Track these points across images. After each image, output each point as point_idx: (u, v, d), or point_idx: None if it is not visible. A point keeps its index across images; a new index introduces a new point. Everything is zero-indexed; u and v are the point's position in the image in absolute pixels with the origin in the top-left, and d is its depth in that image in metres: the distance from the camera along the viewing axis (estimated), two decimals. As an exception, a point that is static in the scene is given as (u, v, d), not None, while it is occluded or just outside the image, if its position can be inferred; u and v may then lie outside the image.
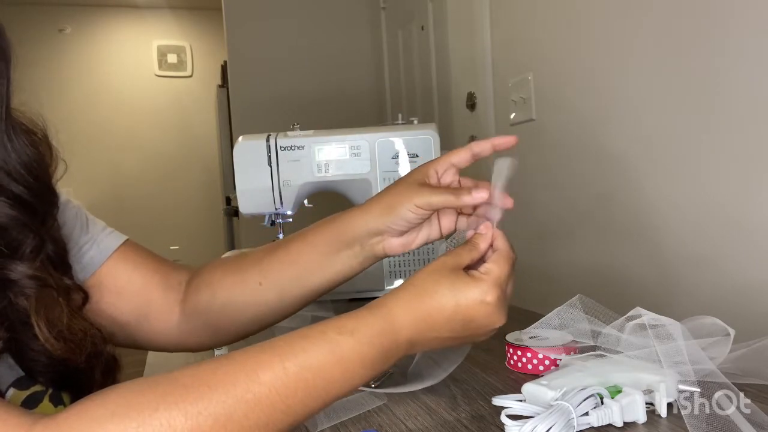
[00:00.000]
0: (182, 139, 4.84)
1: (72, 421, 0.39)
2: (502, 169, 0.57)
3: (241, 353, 0.44)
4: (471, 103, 1.81)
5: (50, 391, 0.54)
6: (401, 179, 0.62)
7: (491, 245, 0.55)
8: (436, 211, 0.61)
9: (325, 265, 0.64)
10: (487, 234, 0.55)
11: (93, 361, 0.56)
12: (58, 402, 0.55)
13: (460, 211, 0.62)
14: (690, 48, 1.01)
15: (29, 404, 0.52)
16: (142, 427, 0.38)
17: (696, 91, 1.01)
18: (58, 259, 0.57)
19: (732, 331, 0.54)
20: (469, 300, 0.49)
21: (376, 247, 0.62)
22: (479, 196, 0.56)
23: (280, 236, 1.18)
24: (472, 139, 1.80)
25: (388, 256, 0.64)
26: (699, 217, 1.02)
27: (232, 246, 3.23)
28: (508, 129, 1.59)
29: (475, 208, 0.61)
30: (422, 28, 2.22)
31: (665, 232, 1.10)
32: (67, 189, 0.68)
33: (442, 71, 2.08)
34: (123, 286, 0.65)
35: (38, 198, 0.54)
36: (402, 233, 0.61)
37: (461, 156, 0.61)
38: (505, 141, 0.60)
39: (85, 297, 0.60)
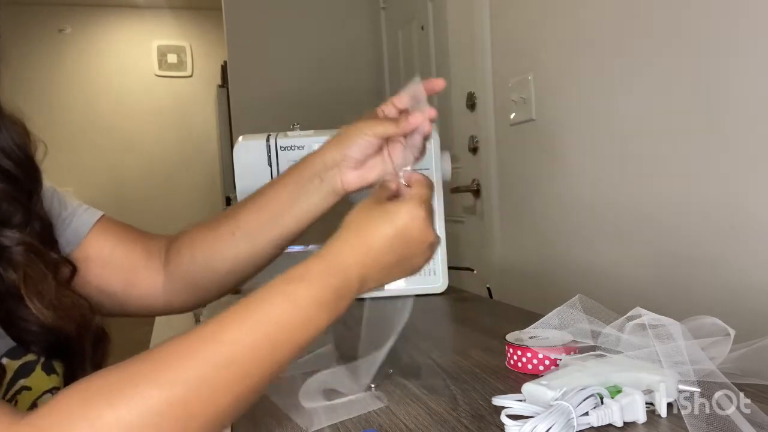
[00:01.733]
0: (182, 139, 4.85)
1: (48, 416, 0.39)
2: (417, 92, 0.64)
3: (205, 322, 0.46)
4: (471, 103, 1.81)
5: (42, 360, 0.57)
6: (356, 120, 0.68)
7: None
8: (386, 147, 0.67)
9: (290, 206, 0.68)
10: (394, 178, 0.60)
11: (82, 331, 0.59)
12: (50, 371, 0.57)
13: (405, 145, 0.67)
14: (691, 48, 1.01)
15: (22, 373, 0.55)
16: (118, 407, 0.39)
17: (696, 91, 1.01)
18: (44, 234, 0.61)
19: (732, 331, 0.55)
20: (403, 219, 0.53)
21: (334, 181, 0.67)
22: (415, 120, 0.62)
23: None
24: (472, 139, 1.80)
25: (348, 192, 0.68)
26: (699, 217, 1.02)
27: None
28: (508, 129, 1.59)
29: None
30: (422, 28, 2.23)
31: (665, 232, 1.10)
32: (67, 189, 0.70)
33: (442, 71, 2.08)
34: (107, 257, 0.69)
35: (26, 174, 0.58)
36: (357, 166, 0.67)
37: (402, 98, 0.67)
38: (438, 84, 0.66)
39: (73, 269, 0.64)
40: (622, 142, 1.19)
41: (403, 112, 0.66)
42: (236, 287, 0.75)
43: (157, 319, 1.08)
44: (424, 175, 0.59)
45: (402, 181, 0.59)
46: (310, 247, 1.18)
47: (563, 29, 1.34)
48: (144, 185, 4.72)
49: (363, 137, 0.65)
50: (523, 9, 1.50)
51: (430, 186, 0.58)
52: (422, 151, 0.65)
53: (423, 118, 0.62)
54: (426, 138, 0.65)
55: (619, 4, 1.17)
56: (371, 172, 0.67)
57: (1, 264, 0.54)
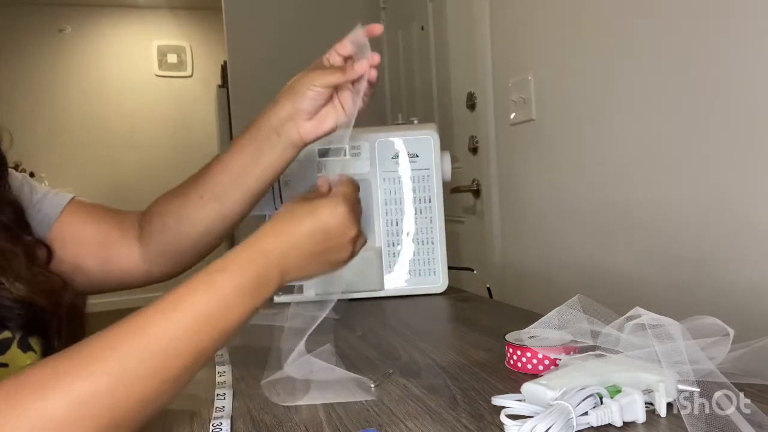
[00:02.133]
0: (182, 139, 4.85)
1: None
2: (359, 38, 0.68)
3: (132, 314, 0.48)
4: (471, 103, 1.81)
5: (18, 337, 0.59)
6: (302, 71, 0.71)
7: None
8: (336, 95, 0.69)
9: (253, 164, 0.71)
10: (323, 182, 0.62)
11: (55, 305, 0.61)
12: (26, 348, 0.59)
13: (353, 92, 0.70)
14: (690, 48, 1.01)
15: None
16: (45, 399, 0.41)
17: (696, 91, 1.01)
18: (16, 219, 0.64)
19: (731, 331, 0.54)
20: (324, 211, 0.56)
21: (291, 133, 0.70)
22: (361, 67, 0.66)
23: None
24: (472, 139, 1.80)
25: (307, 143, 0.71)
26: (699, 217, 1.02)
27: (231, 245, 3.23)
28: (508, 129, 1.59)
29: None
30: (422, 28, 2.23)
31: (665, 232, 1.10)
32: (67, 188, 0.72)
33: (442, 71, 2.08)
34: (80, 235, 0.71)
35: None
36: (310, 116, 0.69)
37: (344, 46, 0.70)
38: (377, 29, 0.69)
39: (49, 251, 0.66)
40: (621, 142, 1.19)
41: (348, 59, 0.69)
42: (213, 248, 0.77)
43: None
44: (350, 177, 0.62)
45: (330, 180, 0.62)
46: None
47: (563, 29, 1.34)
48: (144, 185, 4.71)
49: (312, 88, 0.67)
50: (523, 9, 1.50)
51: (354, 186, 0.61)
52: (370, 95, 0.70)
53: (368, 64, 0.66)
54: (372, 84, 0.68)
55: (619, 4, 1.17)
56: (326, 121, 0.70)
57: None
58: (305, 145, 0.72)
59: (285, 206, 0.58)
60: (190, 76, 4.92)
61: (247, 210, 0.75)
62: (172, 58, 4.87)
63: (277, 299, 1.11)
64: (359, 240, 0.59)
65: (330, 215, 0.56)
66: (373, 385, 0.63)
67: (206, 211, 0.73)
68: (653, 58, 1.09)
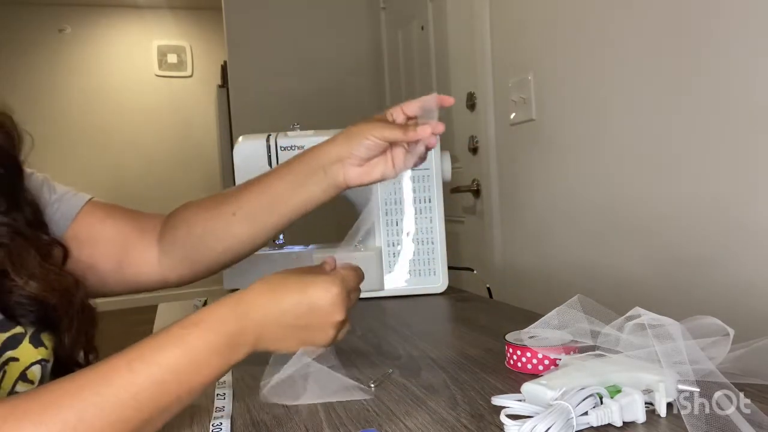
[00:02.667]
0: (182, 139, 4.85)
1: None
2: (430, 103, 0.68)
3: (94, 365, 0.47)
4: (471, 103, 1.81)
5: (30, 332, 0.59)
6: (364, 119, 0.71)
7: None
8: (390, 150, 0.69)
9: (292, 194, 0.70)
10: (330, 262, 0.62)
11: (66, 303, 0.61)
12: (38, 344, 0.60)
13: (408, 151, 0.70)
14: (690, 48, 1.01)
15: (10, 345, 0.57)
16: None
17: (696, 91, 1.01)
18: (33, 219, 0.64)
19: (731, 331, 0.54)
20: (317, 287, 0.54)
21: (337, 175, 0.69)
22: (423, 131, 0.65)
23: (281, 237, 1.18)
24: (472, 139, 1.80)
25: (349, 187, 0.71)
26: (699, 217, 1.02)
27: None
28: (508, 129, 1.59)
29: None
30: (422, 28, 2.23)
31: (665, 232, 1.10)
32: (68, 188, 0.72)
33: (442, 71, 2.08)
34: (98, 235, 0.71)
35: (6, 169, 0.62)
36: (361, 164, 0.69)
37: (411, 106, 0.70)
38: (447, 100, 0.69)
39: (65, 251, 0.66)
40: (621, 142, 1.19)
41: (411, 119, 0.69)
42: (233, 264, 0.77)
43: (157, 317, 1.08)
44: (357, 266, 0.61)
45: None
46: (310, 247, 1.18)
47: (563, 29, 1.34)
48: (144, 185, 4.72)
49: (370, 138, 0.67)
50: (523, 9, 1.50)
51: (358, 274, 0.60)
52: (423, 158, 0.69)
53: (430, 130, 0.65)
54: (429, 149, 0.68)
55: (618, 4, 1.17)
56: (373, 171, 0.70)
57: None
58: (347, 188, 0.71)
59: (280, 272, 0.56)
60: (190, 76, 4.92)
61: (274, 236, 0.75)
62: (172, 58, 4.87)
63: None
64: (344, 327, 0.57)
65: (320, 292, 0.54)
66: (373, 385, 0.63)
67: (236, 228, 0.72)
68: (653, 58, 1.09)
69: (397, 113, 0.69)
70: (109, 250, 0.71)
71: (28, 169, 0.67)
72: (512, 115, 1.55)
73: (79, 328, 0.63)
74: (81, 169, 4.57)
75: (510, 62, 1.57)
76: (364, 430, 0.52)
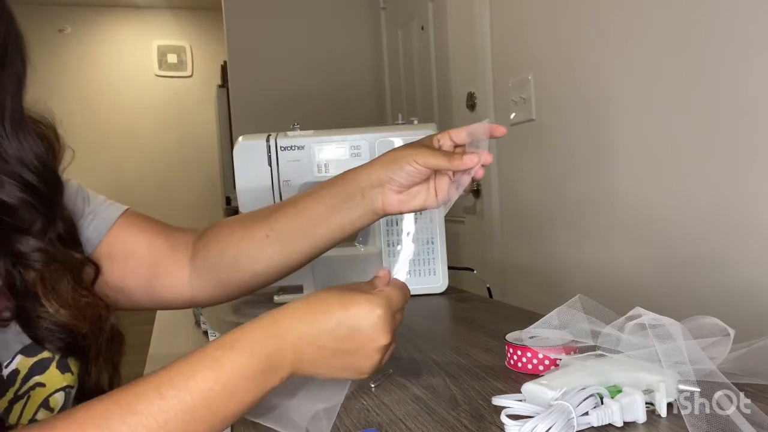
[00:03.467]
0: (182, 139, 4.85)
1: None
2: (479, 132, 0.64)
3: (120, 389, 0.44)
4: (471, 103, 1.81)
5: (57, 358, 0.57)
6: (409, 143, 0.67)
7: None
8: (434, 178, 0.66)
9: (328, 217, 0.67)
10: (384, 276, 0.58)
11: (97, 330, 0.59)
12: (65, 369, 0.58)
13: (453, 180, 0.66)
14: (690, 48, 1.01)
15: (37, 370, 0.55)
16: None
17: (696, 92, 1.01)
18: (67, 236, 0.61)
19: (732, 331, 0.54)
20: (359, 308, 0.50)
21: (375, 200, 0.65)
22: (470, 161, 0.61)
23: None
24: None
25: (387, 214, 0.67)
26: (699, 218, 1.02)
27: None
28: (508, 129, 1.58)
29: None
30: (422, 28, 2.23)
31: (665, 232, 1.10)
32: (102, 196, 0.71)
33: (442, 71, 2.08)
34: (130, 250, 0.68)
35: (45, 184, 0.58)
36: (401, 190, 0.65)
37: (460, 133, 0.66)
38: (499, 131, 0.65)
39: (97, 270, 0.64)
40: (621, 142, 1.19)
41: (458, 147, 0.66)
42: (265, 286, 0.74)
43: (157, 318, 1.08)
44: (403, 283, 0.57)
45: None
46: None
47: (563, 29, 1.34)
48: (144, 185, 4.72)
49: (413, 164, 0.63)
50: (523, 9, 1.50)
51: (404, 293, 0.55)
52: (468, 190, 0.65)
53: (477, 160, 0.61)
54: (475, 180, 0.64)
55: (619, 5, 1.17)
56: (414, 199, 0.66)
57: (21, 264, 0.55)
58: (385, 215, 0.67)
59: (323, 290, 0.52)
60: (190, 76, 4.92)
61: (308, 260, 0.71)
62: (172, 58, 4.87)
63: (277, 299, 1.11)
64: (389, 349, 0.53)
65: (363, 315, 0.49)
66: (373, 385, 0.63)
67: (269, 251, 0.69)
68: (653, 58, 1.09)
69: (444, 139, 0.66)
70: (140, 268, 0.69)
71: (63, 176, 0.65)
72: (512, 115, 1.55)
73: (106, 356, 0.61)
74: (81, 168, 4.55)
75: (510, 62, 1.57)
76: (365, 431, 0.52)
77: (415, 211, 0.68)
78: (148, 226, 0.71)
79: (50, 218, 0.58)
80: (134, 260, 0.69)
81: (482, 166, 0.62)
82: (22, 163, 0.56)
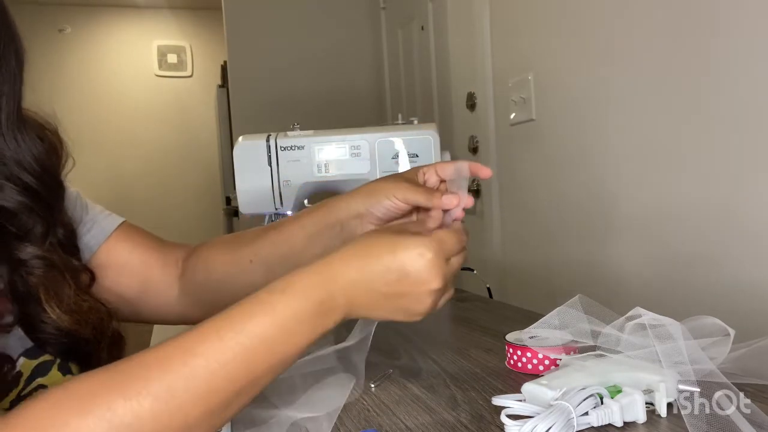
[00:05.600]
0: (182, 139, 4.84)
1: (20, 416, 0.40)
2: (463, 170, 0.62)
3: (179, 335, 0.45)
4: (471, 103, 1.81)
5: (59, 361, 0.58)
6: (392, 174, 0.67)
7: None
8: (416, 213, 0.64)
9: (309, 245, 0.67)
10: (437, 216, 0.57)
11: (99, 335, 0.60)
12: (66, 371, 0.58)
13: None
14: (690, 48, 1.01)
15: (39, 372, 0.56)
16: (86, 417, 0.39)
17: (696, 91, 1.01)
18: (67, 242, 0.62)
19: (732, 331, 0.54)
20: (408, 250, 0.48)
21: (355, 230, 0.65)
22: (448, 201, 0.59)
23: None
24: (472, 139, 1.80)
25: None
26: (699, 217, 1.02)
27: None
28: (508, 129, 1.59)
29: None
30: (422, 28, 2.22)
31: (665, 231, 1.10)
32: (99, 206, 0.72)
33: (442, 71, 2.08)
34: (123, 264, 0.69)
35: (45, 187, 0.58)
36: (380, 223, 0.64)
37: (446, 169, 0.64)
38: (484, 172, 0.64)
39: (92, 277, 0.64)
40: (621, 142, 1.19)
41: (443, 183, 0.65)
42: None
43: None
44: (460, 228, 0.55)
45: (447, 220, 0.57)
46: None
47: (563, 29, 1.34)
48: (144, 185, 4.72)
49: (392, 199, 0.62)
50: (523, 9, 1.50)
51: (460, 239, 0.53)
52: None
53: (457, 202, 0.59)
54: (455, 220, 0.61)
55: (619, 5, 1.17)
56: None
57: (22, 270, 0.55)
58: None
59: (368, 233, 0.52)
60: (190, 76, 4.91)
61: None
62: (172, 58, 4.87)
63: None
64: (444, 295, 0.52)
65: (412, 258, 0.48)
66: (373, 385, 0.63)
67: (253, 276, 0.69)
68: (653, 58, 1.09)
69: (430, 174, 0.64)
70: (132, 282, 0.70)
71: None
72: (512, 115, 1.55)
73: (107, 360, 0.60)
74: (81, 168, 4.54)
75: (510, 62, 1.57)
76: (365, 431, 0.52)
77: None
78: (141, 241, 0.72)
79: (50, 223, 0.58)
80: (126, 274, 0.69)
81: (462, 209, 0.60)
82: (20, 165, 0.56)
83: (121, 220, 0.71)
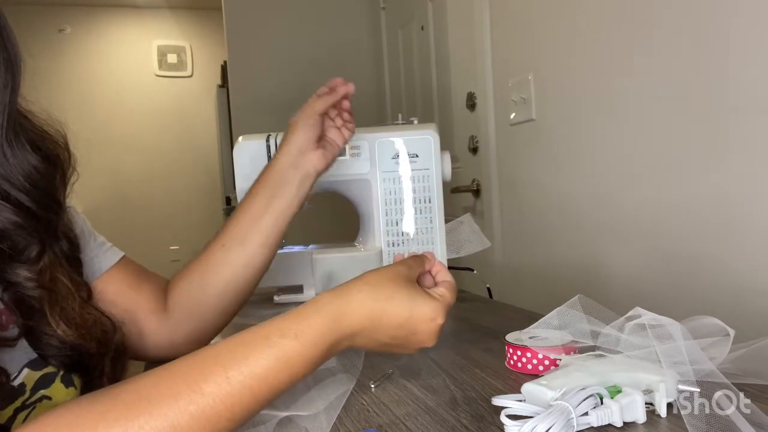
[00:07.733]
0: (182, 139, 4.84)
1: None
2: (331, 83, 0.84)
3: (184, 363, 0.45)
4: (471, 103, 1.81)
5: (62, 372, 0.57)
6: (291, 122, 0.81)
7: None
8: (326, 134, 0.82)
9: (268, 205, 0.75)
10: (433, 258, 0.62)
11: (102, 348, 0.59)
12: (69, 383, 0.58)
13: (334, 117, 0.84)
14: (690, 48, 1.01)
15: (42, 384, 0.55)
16: None
17: (696, 91, 1.01)
18: (71, 254, 0.61)
19: (732, 331, 0.54)
20: (423, 314, 0.53)
21: (306, 164, 0.77)
22: (339, 85, 0.81)
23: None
24: (472, 139, 1.80)
25: (319, 173, 0.79)
26: (699, 217, 1.02)
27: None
28: (508, 129, 1.59)
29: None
30: (422, 28, 2.23)
31: (665, 231, 1.10)
32: (101, 237, 0.70)
33: (442, 71, 2.08)
34: (117, 298, 0.68)
35: (39, 205, 0.55)
36: (317, 146, 0.78)
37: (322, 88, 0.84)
38: (346, 88, 0.82)
39: (89, 293, 0.63)
40: (621, 142, 1.19)
41: (345, 100, 0.83)
42: (238, 305, 0.76)
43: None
44: (455, 284, 0.60)
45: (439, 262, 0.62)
46: (311, 247, 1.18)
47: (563, 29, 1.34)
48: (144, 185, 4.71)
49: (312, 117, 0.78)
50: (523, 9, 1.50)
51: (455, 294, 0.59)
52: (352, 130, 0.85)
53: (344, 83, 0.80)
54: (349, 113, 0.84)
55: (618, 5, 1.17)
56: (330, 145, 0.81)
57: (16, 289, 0.54)
58: (317, 175, 0.78)
59: (389, 277, 0.54)
60: (190, 76, 4.91)
61: (268, 255, 0.76)
62: (172, 58, 4.87)
63: (277, 299, 1.11)
64: (426, 346, 0.56)
65: (425, 323, 0.53)
66: (373, 385, 0.63)
67: (229, 257, 0.73)
68: (653, 58, 1.09)
69: (321, 89, 0.83)
70: (120, 315, 0.67)
71: (70, 206, 0.64)
72: (512, 115, 1.55)
73: (110, 374, 0.61)
74: (80, 169, 4.55)
75: (510, 62, 1.57)
76: (365, 431, 0.52)
77: (336, 156, 0.82)
78: (138, 276, 0.72)
79: (46, 242, 0.56)
80: (118, 308, 0.67)
81: (346, 98, 0.82)
82: (9, 182, 0.53)
83: (120, 255, 0.70)
